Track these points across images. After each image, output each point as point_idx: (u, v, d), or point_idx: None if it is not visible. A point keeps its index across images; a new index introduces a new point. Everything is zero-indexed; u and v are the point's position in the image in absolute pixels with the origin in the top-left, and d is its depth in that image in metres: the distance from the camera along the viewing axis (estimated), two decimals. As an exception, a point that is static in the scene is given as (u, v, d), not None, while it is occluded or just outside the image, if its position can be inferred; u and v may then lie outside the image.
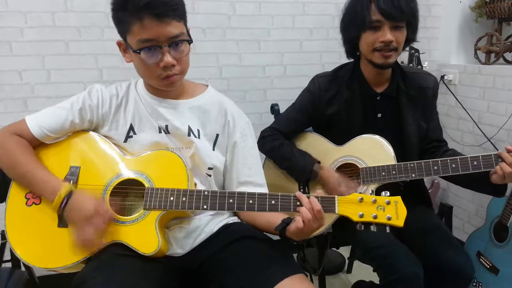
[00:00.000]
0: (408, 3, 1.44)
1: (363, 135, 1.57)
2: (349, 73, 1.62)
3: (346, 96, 1.60)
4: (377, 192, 1.45)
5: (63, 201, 1.14)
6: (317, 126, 1.71)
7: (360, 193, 1.10)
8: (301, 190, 1.63)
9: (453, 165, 1.41)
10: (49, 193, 1.16)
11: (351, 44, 1.58)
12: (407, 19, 1.46)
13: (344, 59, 1.70)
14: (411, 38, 1.53)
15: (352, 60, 1.66)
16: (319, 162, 1.57)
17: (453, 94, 2.45)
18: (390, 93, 1.59)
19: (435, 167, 1.43)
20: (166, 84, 1.22)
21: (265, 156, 1.72)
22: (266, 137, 1.67)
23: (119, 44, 1.25)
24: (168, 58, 1.15)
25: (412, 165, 1.46)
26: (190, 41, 1.20)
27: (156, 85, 1.25)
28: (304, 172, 1.56)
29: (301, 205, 1.10)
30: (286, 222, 1.14)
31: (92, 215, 1.11)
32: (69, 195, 1.15)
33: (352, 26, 1.51)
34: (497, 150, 2.17)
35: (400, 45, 1.48)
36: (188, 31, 1.21)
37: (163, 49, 1.14)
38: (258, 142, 1.66)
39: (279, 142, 1.63)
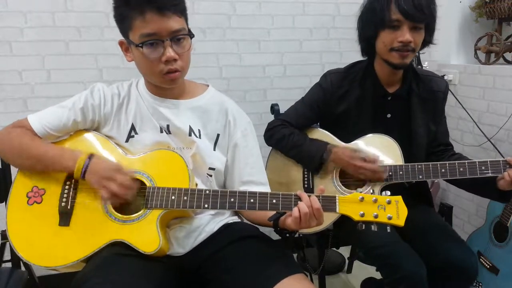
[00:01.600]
0: (428, 5, 1.43)
1: (371, 134, 1.57)
2: (362, 71, 1.61)
3: (357, 94, 1.59)
4: (382, 191, 1.46)
5: (84, 166, 1.15)
6: (324, 123, 1.70)
7: (362, 192, 1.10)
8: (305, 185, 1.62)
9: (461, 169, 1.41)
10: (69, 162, 1.17)
11: (367, 43, 1.57)
12: (426, 20, 1.45)
13: (344, 59, 1.70)
14: (428, 40, 1.52)
15: (365, 58, 1.65)
16: (329, 144, 1.56)
17: (453, 94, 2.45)
18: (401, 94, 1.59)
19: (443, 170, 1.43)
20: (167, 81, 1.22)
21: (268, 154, 1.71)
22: (275, 127, 1.65)
23: (121, 43, 1.25)
24: (170, 52, 1.15)
25: (419, 166, 1.46)
26: (191, 36, 1.21)
27: (157, 82, 1.25)
28: (317, 154, 1.54)
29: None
30: (280, 213, 1.15)
31: (116, 169, 1.14)
32: (89, 158, 1.16)
33: (370, 24, 1.50)
34: (497, 150, 2.18)
35: (417, 47, 1.47)
36: (189, 29, 1.22)
37: (165, 43, 1.15)
38: (265, 134, 1.67)
39: (289, 131, 1.62)
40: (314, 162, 1.56)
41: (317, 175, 1.60)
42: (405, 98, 1.60)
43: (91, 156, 1.17)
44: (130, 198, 1.16)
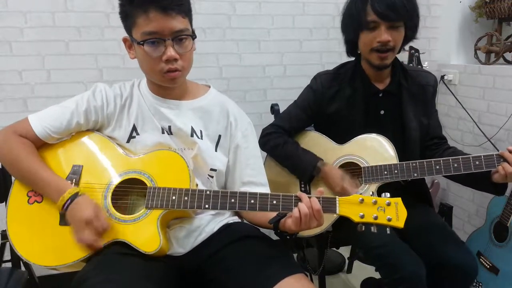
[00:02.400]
0: (403, 4, 1.44)
1: (365, 134, 1.58)
2: (351, 71, 1.63)
3: (348, 94, 1.61)
4: (379, 191, 1.46)
5: (67, 202, 1.14)
6: (318, 124, 1.72)
7: (361, 193, 1.10)
8: (302, 189, 1.63)
9: (455, 165, 1.42)
10: (54, 194, 1.17)
11: (351, 44, 1.59)
12: (403, 18, 1.46)
13: (344, 59, 1.71)
14: (410, 36, 1.54)
15: (353, 58, 1.67)
16: (322, 160, 1.57)
17: (453, 94, 2.46)
18: (392, 89, 1.61)
19: (437, 167, 1.44)
20: (167, 80, 1.22)
21: (266, 155, 1.71)
22: (269, 135, 1.66)
23: (124, 40, 1.25)
24: (171, 52, 1.16)
25: (414, 164, 1.46)
26: (194, 37, 1.21)
27: (158, 81, 1.25)
28: (307, 169, 1.56)
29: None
30: (280, 216, 1.15)
31: (91, 219, 1.11)
32: (73, 196, 1.15)
33: (350, 27, 1.53)
34: (498, 150, 2.17)
35: (397, 45, 1.49)
36: (193, 30, 1.23)
37: (167, 42, 1.15)
38: (260, 140, 1.66)
39: (283, 140, 1.63)
40: (305, 176, 1.59)
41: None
42: (396, 93, 1.61)
43: (73, 197, 1.15)
44: (92, 249, 1.15)
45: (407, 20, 1.48)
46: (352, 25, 1.51)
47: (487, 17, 2.39)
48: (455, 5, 2.53)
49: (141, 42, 1.15)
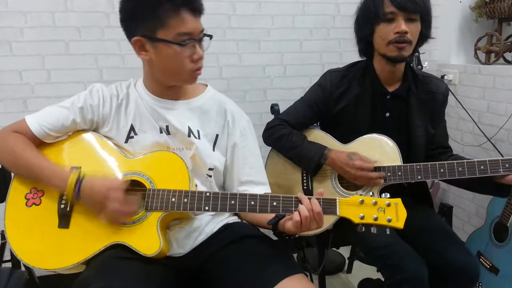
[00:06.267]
0: None
1: (370, 134, 1.57)
2: (362, 70, 1.62)
3: (356, 92, 1.59)
4: (381, 192, 1.46)
5: (76, 189, 1.14)
6: (323, 122, 1.70)
7: (361, 194, 1.10)
8: (305, 187, 1.62)
9: (460, 169, 1.41)
10: (58, 182, 1.16)
11: (365, 42, 1.57)
12: (420, 11, 1.46)
13: (344, 59, 1.70)
14: (425, 34, 1.53)
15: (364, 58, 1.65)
16: (328, 148, 1.56)
17: (453, 94, 2.45)
18: (401, 93, 1.59)
19: (442, 170, 1.43)
20: (193, 79, 1.26)
21: (267, 153, 1.71)
22: (273, 127, 1.65)
23: (135, 41, 1.19)
24: (200, 51, 1.20)
25: (418, 167, 1.46)
26: (211, 36, 1.25)
27: (180, 81, 1.27)
28: (314, 157, 1.54)
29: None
30: (279, 217, 1.15)
31: (108, 192, 1.12)
32: (79, 181, 1.15)
33: (366, 21, 1.51)
34: (497, 150, 2.18)
35: (414, 38, 1.48)
36: None
37: (197, 42, 1.19)
38: (264, 133, 1.67)
39: (288, 131, 1.62)
40: (311, 165, 1.57)
41: (316, 177, 1.60)
42: (405, 97, 1.60)
43: (80, 181, 1.14)
44: (133, 215, 1.16)
45: (424, 13, 1.48)
46: (369, 18, 1.49)
47: (487, 17, 2.39)
48: (455, 5, 2.52)
49: (182, 43, 1.16)
